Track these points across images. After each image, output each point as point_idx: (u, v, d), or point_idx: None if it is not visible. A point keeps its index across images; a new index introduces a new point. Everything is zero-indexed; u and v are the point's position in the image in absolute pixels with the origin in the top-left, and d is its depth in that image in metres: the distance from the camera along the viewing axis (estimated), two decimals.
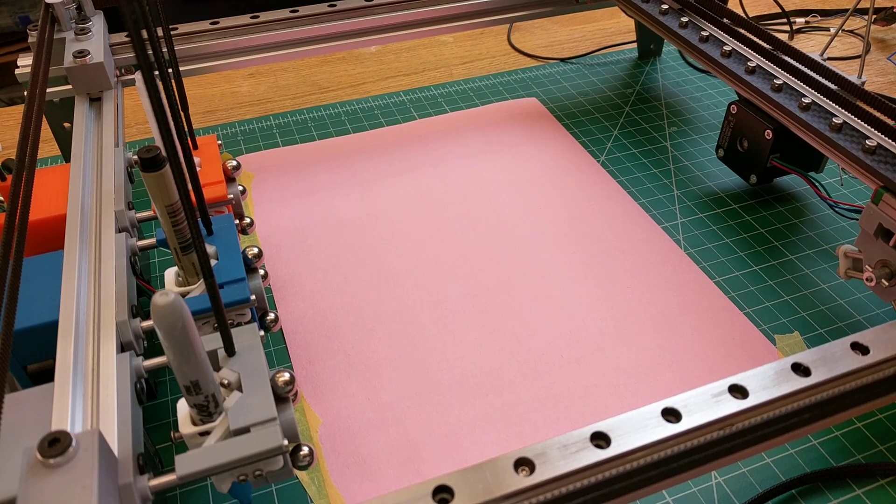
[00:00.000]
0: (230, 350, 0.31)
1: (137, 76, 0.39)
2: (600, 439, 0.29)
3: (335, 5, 0.61)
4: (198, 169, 0.42)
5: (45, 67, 0.44)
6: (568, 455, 0.28)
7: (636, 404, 0.32)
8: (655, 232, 0.54)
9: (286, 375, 0.30)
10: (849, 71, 0.49)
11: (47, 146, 0.62)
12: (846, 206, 0.51)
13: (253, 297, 0.36)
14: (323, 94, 0.72)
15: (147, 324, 0.35)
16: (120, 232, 0.39)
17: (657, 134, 0.65)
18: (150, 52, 0.29)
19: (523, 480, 0.27)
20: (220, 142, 0.47)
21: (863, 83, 0.47)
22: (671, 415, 0.30)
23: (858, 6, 0.56)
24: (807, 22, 0.83)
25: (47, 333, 0.32)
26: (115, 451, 0.27)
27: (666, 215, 0.56)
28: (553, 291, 0.49)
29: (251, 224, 0.43)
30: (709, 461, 0.31)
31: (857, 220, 0.42)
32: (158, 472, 0.29)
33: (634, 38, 0.78)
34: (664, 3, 0.60)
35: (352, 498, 0.37)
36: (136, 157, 0.32)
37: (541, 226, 0.54)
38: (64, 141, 0.55)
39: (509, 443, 0.40)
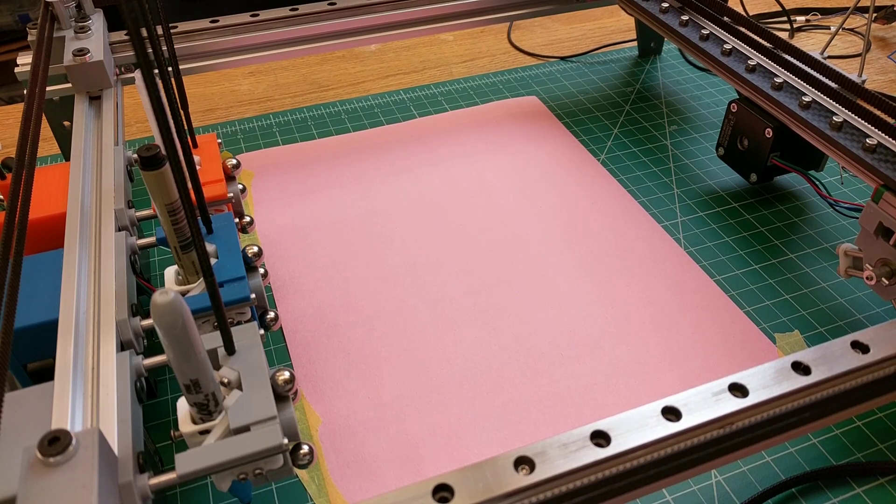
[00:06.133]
0: (230, 349, 0.31)
1: (137, 75, 0.39)
2: (600, 438, 0.29)
3: (335, 3, 0.61)
4: (197, 167, 0.42)
5: (44, 66, 0.44)
6: (568, 454, 0.28)
7: (636, 403, 0.32)
8: (655, 230, 0.54)
9: (286, 374, 0.30)
10: (849, 69, 0.49)
11: (47, 145, 0.62)
12: (846, 205, 0.51)
13: (253, 295, 0.36)
14: (323, 93, 0.72)
15: (147, 322, 0.35)
16: (120, 230, 0.39)
17: (657, 132, 0.65)
18: (150, 50, 0.29)
19: (523, 479, 0.27)
20: (219, 140, 0.47)
21: (863, 81, 0.47)
22: (671, 413, 0.30)
23: (859, 4, 0.56)
24: (807, 20, 0.83)
25: (47, 332, 0.32)
26: (115, 450, 0.27)
27: (666, 214, 0.56)
28: (553, 290, 0.49)
29: (251, 223, 0.43)
30: (709, 460, 0.31)
31: (858, 218, 0.42)
32: (158, 470, 0.29)
33: (635, 37, 0.78)
34: (664, 2, 0.60)
35: (352, 497, 0.37)
36: (135, 155, 0.31)
37: (541, 224, 0.54)
38: (64, 139, 0.55)
39: (509, 441, 0.40)
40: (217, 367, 0.31)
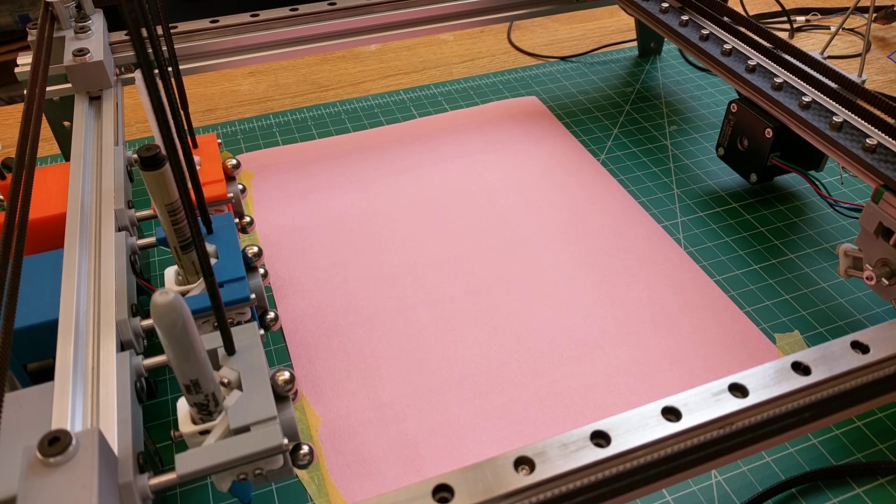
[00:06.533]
0: (230, 349, 0.31)
1: (137, 75, 0.39)
2: (600, 438, 0.29)
3: (335, 3, 0.61)
4: (197, 167, 0.42)
5: (44, 66, 0.44)
6: (568, 454, 0.28)
7: (636, 403, 0.32)
8: (655, 230, 0.54)
9: (286, 374, 0.30)
10: (849, 69, 0.49)
11: (47, 145, 0.62)
12: (846, 205, 0.51)
13: (253, 295, 0.36)
14: (323, 93, 0.72)
15: (147, 322, 0.35)
16: (120, 230, 0.39)
17: (657, 132, 0.65)
18: (150, 50, 0.29)
19: (523, 479, 0.27)
20: (219, 140, 0.47)
21: (863, 82, 0.47)
22: (671, 413, 0.30)
23: (859, 4, 0.56)
24: (807, 20, 0.83)
25: (47, 332, 0.32)
26: (115, 450, 0.27)
27: (666, 214, 0.56)
28: (553, 290, 0.49)
29: (251, 223, 0.43)
30: (709, 460, 0.31)
31: (858, 218, 0.42)
32: (158, 470, 0.29)
33: (635, 37, 0.78)
34: (664, 2, 0.60)
35: (352, 497, 0.37)
36: (135, 155, 0.31)
37: (541, 224, 0.54)
38: (64, 139, 0.55)
39: (509, 441, 0.40)
40: (217, 367, 0.31)
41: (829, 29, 0.82)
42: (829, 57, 0.73)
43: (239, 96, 0.72)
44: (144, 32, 0.28)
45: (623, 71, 0.75)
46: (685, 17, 0.57)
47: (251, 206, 0.56)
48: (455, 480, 0.27)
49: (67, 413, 0.28)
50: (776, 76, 0.49)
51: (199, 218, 0.32)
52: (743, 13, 0.61)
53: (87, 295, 0.35)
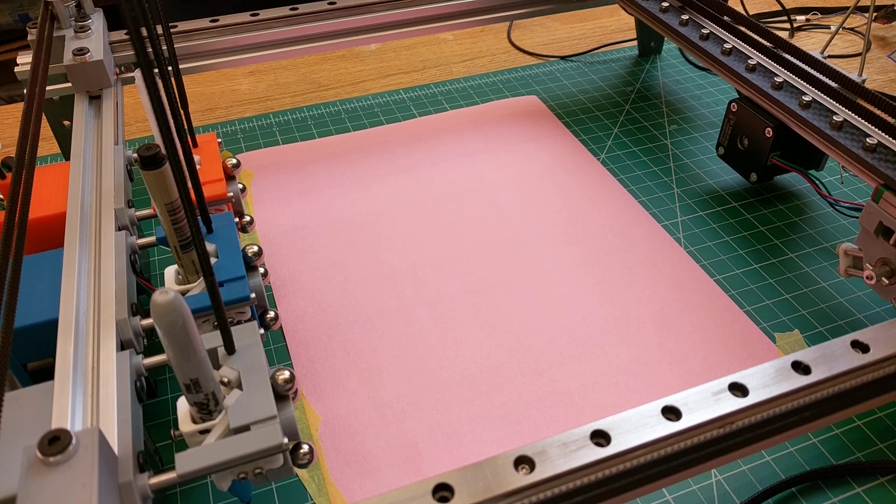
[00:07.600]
0: (230, 348, 0.31)
1: (137, 74, 0.39)
2: (600, 437, 0.29)
3: (335, 3, 0.61)
4: (197, 167, 0.42)
5: (44, 65, 0.44)
6: (568, 453, 0.28)
7: (636, 402, 0.32)
8: (655, 230, 0.54)
9: (286, 373, 0.30)
10: (849, 69, 0.49)
11: (47, 144, 0.62)
12: (846, 205, 0.51)
13: (253, 295, 0.36)
14: (323, 92, 0.72)
15: (147, 322, 0.35)
16: (120, 230, 0.39)
17: (657, 132, 0.65)
18: (150, 49, 0.29)
19: (523, 479, 0.27)
20: (219, 140, 0.47)
21: (863, 81, 0.47)
22: (671, 413, 0.30)
23: (859, 4, 0.56)
24: (807, 20, 0.83)
25: (47, 331, 0.32)
26: (115, 450, 0.27)
27: (666, 213, 0.55)
28: (553, 289, 0.49)
29: (251, 222, 0.43)
30: (709, 459, 0.31)
31: (858, 218, 0.42)
32: (158, 470, 0.29)
33: (635, 36, 0.78)
34: (664, 1, 0.60)
35: (352, 496, 0.37)
36: (135, 155, 0.31)
37: (541, 224, 0.54)
38: (63, 139, 0.55)
39: (509, 441, 0.40)
40: (217, 366, 0.31)
41: (829, 28, 0.82)
42: (830, 56, 0.73)
43: (239, 96, 0.72)
44: (144, 32, 0.28)
45: (623, 70, 0.75)
46: (685, 17, 0.57)
47: (251, 206, 0.56)
48: (455, 480, 0.27)
49: (67, 412, 0.28)
50: (776, 75, 0.49)
51: (199, 217, 0.32)
52: (743, 12, 0.61)
53: (87, 294, 0.35)
